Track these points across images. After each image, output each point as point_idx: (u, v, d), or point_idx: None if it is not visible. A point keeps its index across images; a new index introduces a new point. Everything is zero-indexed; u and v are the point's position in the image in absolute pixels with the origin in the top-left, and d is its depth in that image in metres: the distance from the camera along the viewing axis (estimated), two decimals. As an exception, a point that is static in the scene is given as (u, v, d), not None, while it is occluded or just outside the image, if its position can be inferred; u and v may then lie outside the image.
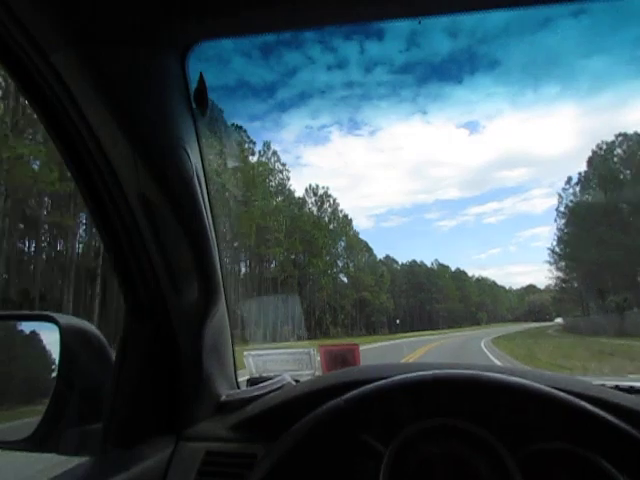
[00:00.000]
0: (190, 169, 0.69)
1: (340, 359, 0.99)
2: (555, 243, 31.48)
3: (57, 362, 0.73)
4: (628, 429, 0.55)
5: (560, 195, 30.08)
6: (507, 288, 64.20)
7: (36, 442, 0.72)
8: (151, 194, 0.67)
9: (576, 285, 31.22)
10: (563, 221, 30.28)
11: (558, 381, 0.68)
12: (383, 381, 0.65)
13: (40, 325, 0.75)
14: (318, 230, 36.13)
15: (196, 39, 0.64)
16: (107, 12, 0.54)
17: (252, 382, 0.95)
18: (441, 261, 54.55)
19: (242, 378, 0.97)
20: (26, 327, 0.80)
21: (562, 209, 30.02)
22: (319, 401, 0.66)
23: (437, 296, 49.94)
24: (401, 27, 0.63)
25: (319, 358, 1.03)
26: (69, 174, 0.70)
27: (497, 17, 0.61)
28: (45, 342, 0.76)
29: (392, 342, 18.61)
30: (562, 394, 0.60)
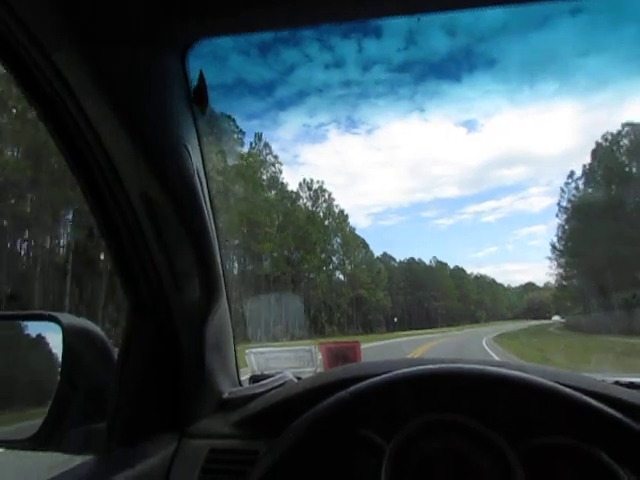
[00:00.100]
0: (191, 167, 0.72)
1: (341, 356, 1.02)
2: (556, 239, 31.67)
3: (60, 361, 0.75)
4: (630, 424, 0.57)
5: (562, 189, 30.21)
6: (506, 286, 64.94)
7: (40, 441, 0.75)
8: (153, 193, 0.70)
9: (576, 283, 31.33)
10: (565, 216, 30.46)
11: (560, 376, 0.71)
12: (388, 374, 0.68)
13: (43, 325, 0.78)
14: (312, 225, 36.09)
15: (196, 38, 0.67)
16: (108, 12, 0.57)
17: (254, 379, 0.98)
18: (439, 259, 54.97)
19: (244, 377, 1.01)
20: (29, 327, 0.83)
21: (564, 204, 30.18)
22: (321, 398, 0.68)
23: (435, 294, 50.26)
24: (399, 25, 0.66)
25: (320, 355, 1.07)
26: (69, 173, 0.73)
27: (495, 15, 0.64)
28: (48, 342, 0.79)
29: (387, 342, 18.33)
30: (565, 389, 0.62)
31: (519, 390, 0.64)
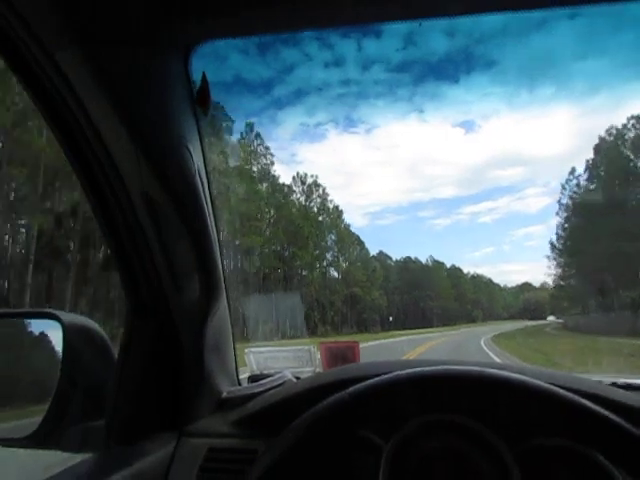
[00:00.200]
0: (192, 168, 0.75)
1: (340, 356, 1.06)
2: (555, 238, 31.83)
3: (60, 359, 0.79)
4: (626, 426, 0.59)
5: (563, 186, 30.29)
6: (502, 286, 65.73)
7: (39, 439, 0.78)
8: (154, 193, 0.73)
9: (575, 282, 31.39)
10: (565, 214, 30.58)
11: (557, 378, 0.73)
12: (387, 375, 0.70)
13: (43, 323, 0.82)
14: (304, 219, 35.98)
15: (198, 39, 0.70)
16: (110, 13, 0.59)
17: (253, 379, 1.01)
18: (436, 258, 55.34)
19: (243, 375, 1.05)
20: (29, 325, 0.87)
21: (565, 201, 30.28)
22: (320, 397, 0.71)
23: (431, 293, 50.48)
24: (398, 25, 0.70)
25: (319, 355, 1.11)
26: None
27: (494, 18, 0.66)
28: (48, 340, 0.82)
29: (382, 342, 18.10)
30: (561, 391, 0.64)
31: (516, 392, 0.66)
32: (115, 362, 0.82)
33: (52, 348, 0.81)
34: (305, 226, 35.94)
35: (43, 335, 0.84)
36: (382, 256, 49.52)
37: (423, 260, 54.53)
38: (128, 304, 0.83)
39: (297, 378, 1.01)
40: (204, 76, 0.76)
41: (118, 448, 0.78)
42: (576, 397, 0.63)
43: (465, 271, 60.73)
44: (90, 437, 0.80)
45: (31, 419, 0.79)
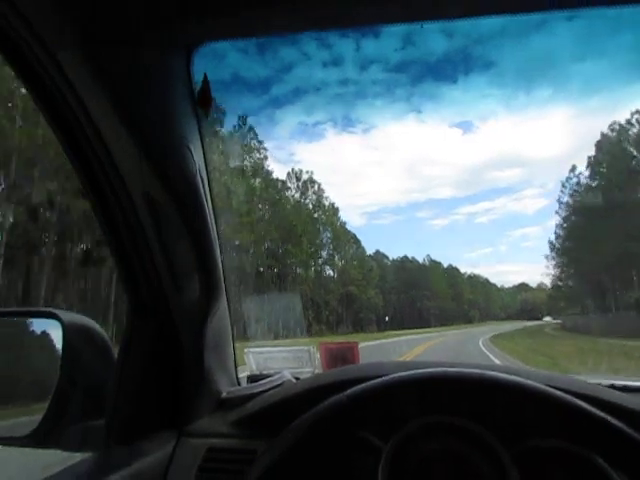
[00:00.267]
0: (193, 168, 0.77)
1: (340, 357, 1.09)
2: (555, 237, 31.91)
3: (60, 359, 0.80)
4: (623, 427, 0.61)
5: (563, 184, 30.29)
6: (499, 286, 66.37)
7: (39, 438, 0.80)
8: (155, 193, 0.75)
9: (572, 283, 31.48)
10: (565, 213, 30.65)
11: (554, 379, 0.76)
12: (385, 377, 0.73)
13: (43, 322, 0.84)
14: (297, 216, 35.90)
15: (198, 40, 0.72)
16: (111, 14, 0.61)
17: (252, 379, 1.03)
18: (433, 258, 55.62)
19: (242, 374, 1.07)
20: (30, 324, 0.88)
21: (565, 199, 30.32)
22: (319, 398, 0.73)
23: (428, 293, 50.67)
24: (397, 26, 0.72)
25: (319, 356, 1.13)
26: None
27: (493, 19, 0.68)
28: (49, 339, 0.84)
29: (377, 342, 18.01)
30: (558, 392, 0.66)
31: (513, 393, 0.68)
32: (115, 362, 0.84)
33: (52, 347, 0.83)
34: (299, 223, 35.85)
35: (43, 334, 0.86)
36: (379, 255, 49.61)
37: (420, 260, 54.80)
38: (128, 304, 0.85)
39: (296, 378, 1.03)
40: (205, 78, 0.77)
41: (118, 448, 0.79)
42: (573, 398, 0.65)
43: (462, 271, 61.15)
44: (90, 436, 0.81)
45: (31, 417, 0.80)
